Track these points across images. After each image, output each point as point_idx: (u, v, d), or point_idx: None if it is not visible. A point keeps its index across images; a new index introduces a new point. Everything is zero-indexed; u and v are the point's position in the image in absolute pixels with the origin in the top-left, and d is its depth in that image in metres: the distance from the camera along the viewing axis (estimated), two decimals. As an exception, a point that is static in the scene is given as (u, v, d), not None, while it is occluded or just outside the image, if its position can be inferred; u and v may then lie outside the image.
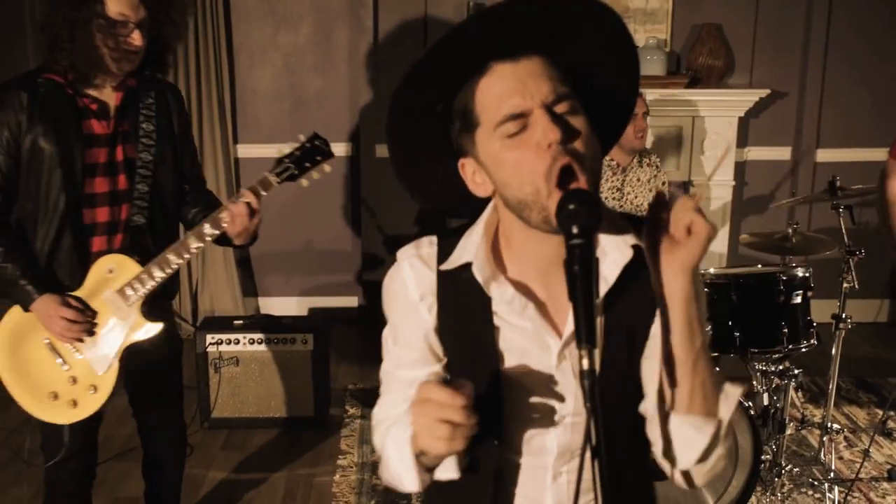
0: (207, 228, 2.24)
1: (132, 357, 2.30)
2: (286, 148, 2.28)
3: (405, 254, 1.32)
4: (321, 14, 4.73)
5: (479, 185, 1.25)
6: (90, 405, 2.30)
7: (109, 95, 2.27)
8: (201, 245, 2.26)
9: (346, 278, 5.07)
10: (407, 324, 1.31)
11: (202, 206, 2.42)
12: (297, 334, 3.70)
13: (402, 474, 1.23)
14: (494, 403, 1.26)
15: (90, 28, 2.15)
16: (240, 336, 3.69)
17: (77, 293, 2.25)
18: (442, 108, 1.23)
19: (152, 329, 2.29)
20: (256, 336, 3.69)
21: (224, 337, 3.68)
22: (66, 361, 2.27)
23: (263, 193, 2.25)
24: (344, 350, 4.53)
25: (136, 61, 2.23)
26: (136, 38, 2.18)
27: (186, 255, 2.26)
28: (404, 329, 1.32)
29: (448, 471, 1.22)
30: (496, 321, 1.25)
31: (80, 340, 2.25)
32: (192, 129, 2.53)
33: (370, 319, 4.95)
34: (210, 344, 3.66)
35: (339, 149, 4.85)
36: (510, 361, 1.26)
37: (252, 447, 3.66)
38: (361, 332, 4.83)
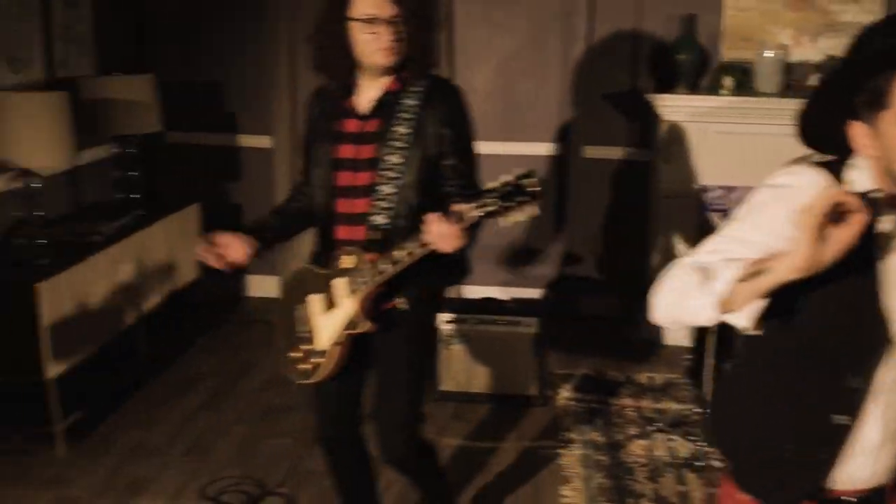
0: (413, 245, 2.28)
1: (364, 344, 2.48)
2: (503, 176, 2.14)
3: (803, 175, 1.57)
4: (535, 22, 5.01)
5: (866, 147, 1.51)
6: (310, 375, 2.49)
7: (368, 97, 2.44)
8: (406, 256, 2.28)
9: (545, 272, 5.33)
10: (767, 231, 1.53)
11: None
12: (523, 317, 4.00)
13: (699, 304, 1.49)
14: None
15: (341, 30, 2.34)
16: (468, 316, 4.02)
17: (325, 272, 2.44)
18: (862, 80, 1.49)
19: (365, 325, 2.39)
20: (485, 317, 4.00)
21: (456, 316, 4.01)
22: (309, 328, 2.50)
23: (462, 223, 2.17)
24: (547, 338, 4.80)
25: (391, 56, 2.34)
26: (385, 34, 2.31)
27: (406, 258, 2.28)
28: (762, 234, 1.54)
29: (741, 318, 1.46)
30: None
31: (308, 315, 2.47)
32: (468, 132, 2.49)
33: (568, 312, 5.21)
34: (444, 322, 3.99)
35: (546, 148, 5.13)
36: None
37: (478, 419, 3.97)
38: (560, 323, 5.07)
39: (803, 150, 1.74)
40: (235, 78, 5.21)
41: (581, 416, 4.00)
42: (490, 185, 2.15)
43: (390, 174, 2.40)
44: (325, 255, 2.50)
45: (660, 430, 3.84)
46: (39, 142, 3.39)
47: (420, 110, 2.42)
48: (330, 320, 2.46)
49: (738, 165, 4.73)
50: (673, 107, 4.65)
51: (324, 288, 2.47)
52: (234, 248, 2.49)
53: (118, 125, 4.24)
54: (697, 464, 3.59)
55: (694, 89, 4.73)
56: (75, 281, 3.58)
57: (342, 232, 2.48)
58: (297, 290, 2.58)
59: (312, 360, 2.49)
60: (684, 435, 3.81)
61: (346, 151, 2.45)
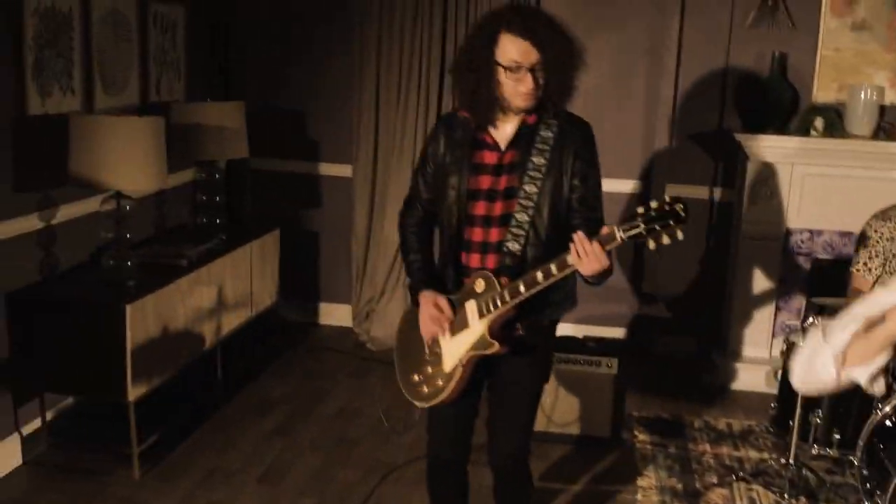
0: (552, 267, 2.31)
1: (485, 368, 2.55)
2: (651, 201, 2.17)
3: None
4: (623, 56, 4.97)
5: None
6: (433, 396, 2.57)
7: (506, 130, 2.52)
8: (542, 280, 2.32)
9: (618, 310, 5.25)
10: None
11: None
12: (603, 357, 3.93)
13: (821, 361, 1.49)
14: None
15: (486, 74, 2.42)
16: (546, 354, 3.96)
17: (454, 297, 2.54)
18: None
19: (492, 348, 2.44)
20: (563, 355, 3.94)
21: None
22: (432, 351, 2.59)
23: (607, 247, 2.22)
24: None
25: (530, 100, 2.43)
26: (528, 82, 2.39)
27: (534, 286, 2.34)
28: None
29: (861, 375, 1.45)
30: None
31: (437, 338, 2.55)
32: (596, 167, 2.56)
33: (645, 352, 5.11)
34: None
35: (629, 185, 5.07)
36: None
37: (553, 459, 3.90)
38: (636, 363, 4.98)
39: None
40: (318, 107, 5.28)
41: (658, 461, 3.90)
42: (637, 209, 2.19)
43: (526, 203, 2.47)
44: (454, 280, 2.58)
45: (740, 480, 3.72)
46: (134, 165, 3.45)
47: (555, 143, 2.49)
48: (457, 343, 2.53)
49: (826, 209, 4.62)
50: (761, 147, 4.56)
51: (452, 311, 2.55)
52: (445, 308, 2.57)
53: (207, 150, 4.33)
54: (781, 517, 3.48)
55: (783, 130, 4.63)
56: (160, 304, 3.63)
57: (473, 259, 2.55)
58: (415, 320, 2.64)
59: (437, 382, 2.57)
60: (765, 485, 3.68)
61: (484, 182, 2.52)
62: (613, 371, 3.94)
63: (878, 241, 3.54)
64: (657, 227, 2.13)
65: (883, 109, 4.54)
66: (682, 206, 2.14)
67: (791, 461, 3.48)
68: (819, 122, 4.53)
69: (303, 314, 5.49)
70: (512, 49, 2.38)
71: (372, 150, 5.15)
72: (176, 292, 3.76)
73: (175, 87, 4.66)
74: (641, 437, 4.15)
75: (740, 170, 4.80)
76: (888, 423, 2.96)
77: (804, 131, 4.58)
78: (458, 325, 2.52)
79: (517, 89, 2.41)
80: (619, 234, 2.19)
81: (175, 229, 4.60)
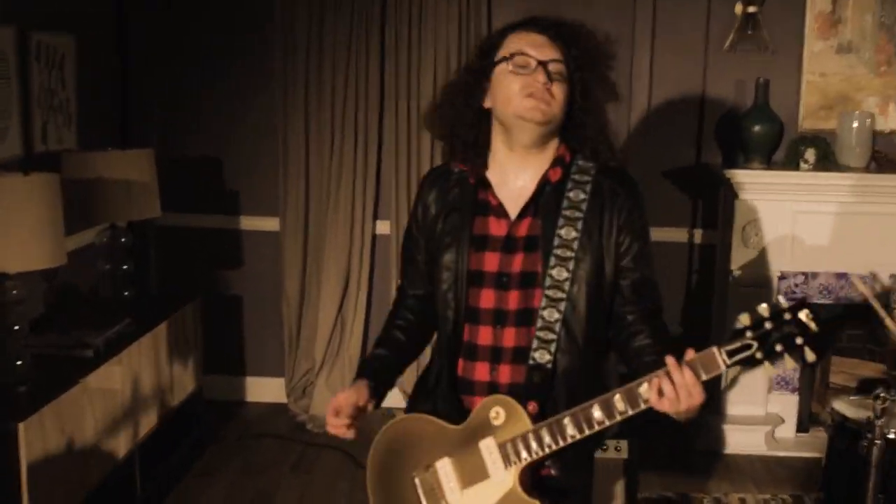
0: (618, 404, 1.68)
1: None
2: (761, 308, 1.60)
3: None
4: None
5: None
6: None
7: (518, 187, 1.84)
8: (606, 422, 1.69)
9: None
10: None
11: (653, 355, 1.78)
12: (611, 440, 3.31)
13: None
14: None
15: (479, 83, 1.81)
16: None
17: (458, 428, 1.83)
18: None
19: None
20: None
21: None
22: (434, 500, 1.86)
23: (703, 376, 1.63)
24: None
25: (543, 108, 1.76)
26: (540, 76, 1.75)
27: (587, 429, 1.70)
28: None
29: None
30: None
31: (440, 488, 1.84)
32: (649, 239, 1.91)
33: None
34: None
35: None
36: None
37: (559, 567, 3.25)
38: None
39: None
40: (237, 151, 4.52)
41: (680, 559, 3.31)
42: (741, 319, 1.57)
43: (555, 294, 1.78)
44: (450, 399, 1.86)
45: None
46: (22, 239, 2.65)
47: (591, 207, 1.81)
48: (474, 498, 1.80)
49: (820, 249, 4.17)
50: (746, 183, 4.08)
51: (458, 450, 1.82)
52: (359, 407, 1.89)
53: (112, 210, 3.52)
54: None
55: (769, 163, 4.17)
56: (63, 414, 2.81)
57: (479, 370, 1.85)
58: (409, 449, 1.90)
59: None
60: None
61: (490, 262, 1.83)
62: (623, 455, 3.33)
63: None
64: (777, 349, 1.55)
65: (874, 136, 4.14)
66: (809, 315, 1.55)
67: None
68: (810, 154, 4.09)
69: (227, 391, 4.68)
70: (520, 41, 1.79)
71: (302, 199, 4.43)
72: (82, 396, 2.94)
73: (65, 135, 3.83)
74: (652, 526, 3.56)
75: (725, 209, 4.31)
76: None
77: (793, 164, 4.13)
78: (469, 471, 1.81)
79: (524, 89, 1.75)
80: (722, 359, 1.60)
81: (72, 307, 3.75)
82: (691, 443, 4.32)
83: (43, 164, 3.45)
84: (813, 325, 1.54)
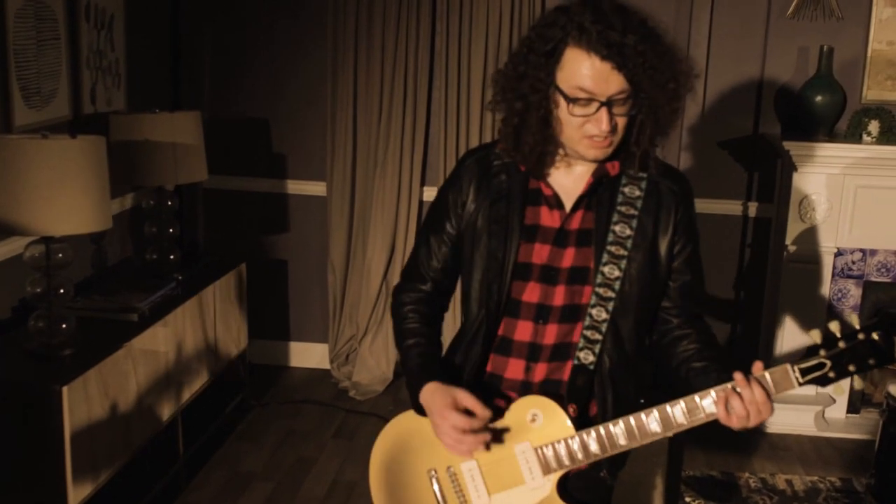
0: (678, 416, 1.61)
1: None
2: (831, 328, 1.55)
3: None
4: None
5: None
6: None
7: (575, 179, 1.73)
8: (660, 433, 1.63)
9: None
10: None
11: (703, 360, 1.72)
12: (656, 417, 3.25)
13: None
14: None
15: (539, 104, 1.64)
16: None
17: (487, 428, 1.71)
18: None
19: None
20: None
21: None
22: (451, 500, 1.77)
23: (774, 393, 1.59)
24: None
25: (604, 149, 1.66)
26: (603, 122, 1.60)
27: (640, 439, 1.65)
28: None
29: None
30: None
31: (494, 476, 1.73)
32: (699, 241, 1.81)
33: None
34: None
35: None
36: None
37: (600, 544, 3.21)
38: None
39: None
40: (285, 115, 4.48)
41: (725, 540, 3.25)
42: (812, 335, 1.53)
43: (605, 292, 1.69)
44: (481, 400, 1.72)
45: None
46: (68, 202, 2.64)
47: (646, 206, 1.72)
48: (503, 499, 1.71)
49: (881, 226, 4.02)
50: (812, 156, 3.93)
51: (486, 452, 1.73)
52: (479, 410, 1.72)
53: (158, 172, 3.50)
54: None
55: (830, 135, 4.01)
56: (107, 378, 2.82)
57: (513, 368, 1.75)
58: (426, 447, 1.79)
59: None
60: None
61: (540, 255, 1.73)
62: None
63: None
64: (850, 369, 1.54)
65: (944, 109, 3.97)
66: (882, 335, 1.50)
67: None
68: (874, 127, 3.92)
69: (271, 356, 4.69)
70: (581, 72, 1.58)
71: (350, 164, 4.39)
72: (126, 359, 2.96)
73: (114, 96, 3.83)
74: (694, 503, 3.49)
75: (782, 182, 4.17)
76: None
77: (855, 137, 3.97)
78: (499, 476, 1.72)
79: (585, 131, 1.62)
80: (795, 377, 1.57)
81: (117, 270, 3.77)
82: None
83: (91, 125, 3.46)
84: (887, 347, 1.50)
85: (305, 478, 3.59)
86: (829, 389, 4.12)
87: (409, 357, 1.82)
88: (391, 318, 1.96)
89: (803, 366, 1.56)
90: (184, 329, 3.41)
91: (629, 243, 1.70)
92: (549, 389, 1.72)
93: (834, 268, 4.08)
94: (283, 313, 4.69)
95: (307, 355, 4.70)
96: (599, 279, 1.69)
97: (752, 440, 4.06)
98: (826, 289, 4.11)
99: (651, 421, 1.61)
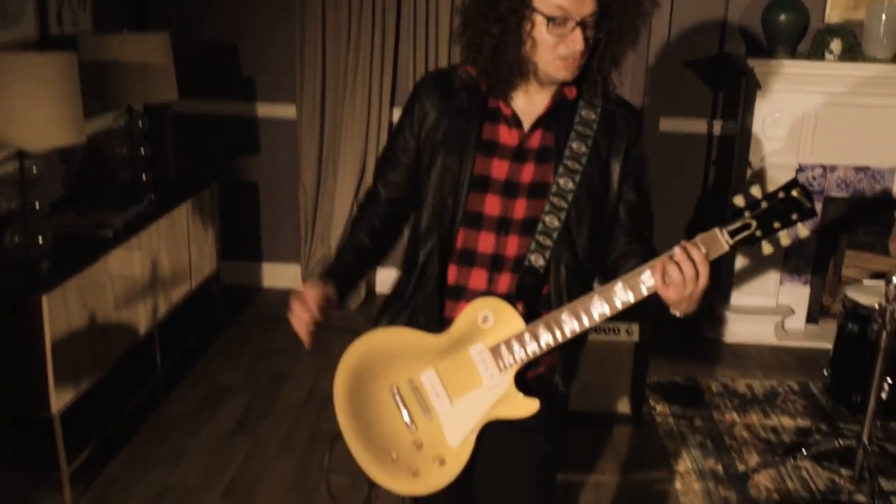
0: (619, 292, 1.65)
1: (493, 434, 1.79)
2: (753, 189, 1.60)
3: None
4: None
5: None
6: (433, 480, 1.81)
7: (534, 101, 1.79)
8: (606, 312, 1.66)
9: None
10: None
11: (635, 261, 1.76)
12: (622, 323, 3.37)
13: None
14: None
15: (516, 24, 1.69)
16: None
17: (440, 337, 1.77)
18: None
19: (525, 407, 1.75)
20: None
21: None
22: (414, 421, 1.81)
23: (704, 253, 1.60)
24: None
25: (574, 69, 1.72)
26: (577, 41, 1.67)
27: (587, 321, 1.67)
28: None
29: None
30: None
31: (427, 400, 1.79)
32: (647, 174, 1.87)
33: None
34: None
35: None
36: None
37: (568, 445, 3.34)
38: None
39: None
40: (253, 36, 4.47)
41: (687, 439, 3.39)
42: (736, 201, 1.57)
43: (559, 202, 1.74)
44: (435, 308, 1.80)
45: (786, 455, 3.25)
46: (41, 115, 2.65)
47: (601, 129, 1.78)
48: (467, 406, 1.76)
49: (841, 142, 4.13)
50: (776, 74, 4.00)
51: (443, 360, 1.78)
52: (325, 302, 1.84)
53: (128, 92, 3.50)
54: (842, 499, 3.01)
55: (793, 54, 4.09)
56: (85, 289, 2.88)
57: (475, 278, 1.79)
58: (386, 363, 1.84)
59: (435, 461, 1.80)
60: (813, 461, 3.22)
61: (500, 169, 1.78)
62: (634, 338, 3.38)
63: None
64: (775, 226, 1.58)
65: (902, 27, 4.04)
66: (800, 192, 1.57)
67: (865, 440, 2.99)
68: (836, 45, 4.00)
69: (244, 277, 4.75)
70: None
71: (319, 87, 4.40)
72: (102, 272, 3.00)
73: (80, 17, 3.79)
74: (660, 408, 3.63)
75: (746, 100, 4.25)
76: None
77: (818, 55, 4.05)
78: (458, 380, 1.76)
79: (558, 52, 1.68)
80: (724, 239, 1.58)
81: (91, 190, 3.78)
82: (701, 331, 4.39)
83: (58, 46, 3.43)
84: (806, 202, 1.56)
85: (282, 390, 3.69)
86: (789, 301, 4.30)
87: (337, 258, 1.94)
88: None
89: (731, 227, 1.59)
90: (158, 246, 3.45)
91: (584, 159, 1.76)
92: (509, 298, 1.76)
93: (794, 183, 4.18)
94: (255, 235, 4.74)
95: (280, 276, 4.77)
96: (554, 189, 1.75)
97: (714, 350, 4.21)
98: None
99: (595, 302, 1.66)
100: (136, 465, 3.12)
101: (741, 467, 3.21)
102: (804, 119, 4.08)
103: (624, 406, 3.46)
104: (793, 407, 3.67)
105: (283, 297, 4.52)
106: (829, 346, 3.56)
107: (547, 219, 1.75)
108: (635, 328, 3.38)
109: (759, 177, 4.11)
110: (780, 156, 4.13)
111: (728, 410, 3.63)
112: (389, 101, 4.44)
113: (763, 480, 3.13)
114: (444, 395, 1.78)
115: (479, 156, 1.77)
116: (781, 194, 1.56)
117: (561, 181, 1.75)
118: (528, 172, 1.77)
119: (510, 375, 1.73)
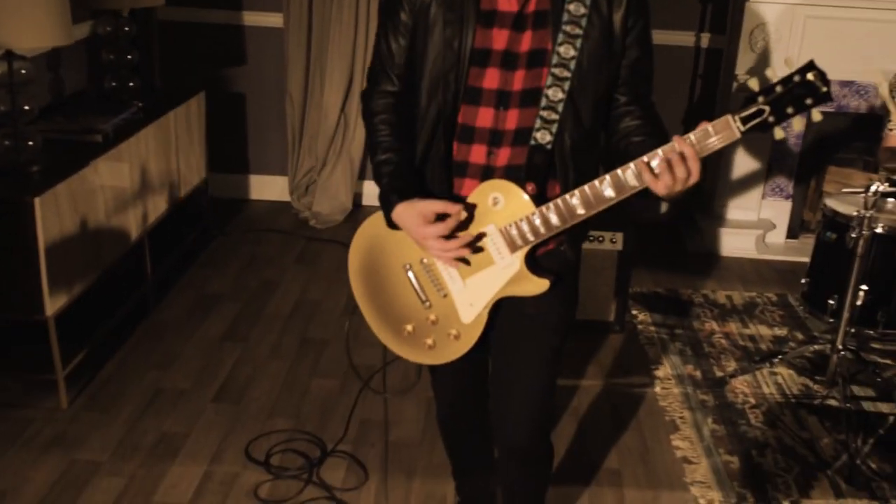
0: (630, 177, 1.65)
1: (507, 306, 1.85)
2: (767, 75, 1.61)
3: None
4: None
5: None
6: (448, 352, 1.89)
7: None
8: (614, 196, 1.67)
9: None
10: None
11: (643, 135, 1.77)
12: (606, 232, 3.42)
13: None
14: None
15: None
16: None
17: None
18: None
19: (536, 286, 1.79)
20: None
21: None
22: (428, 298, 1.87)
23: (718, 144, 1.62)
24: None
25: None
26: None
27: (595, 207, 1.70)
28: None
29: None
30: None
31: (465, 262, 1.80)
32: (650, 30, 1.81)
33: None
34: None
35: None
36: None
37: (552, 351, 3.44)
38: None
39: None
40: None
41: (668, 346, 3.49)
42: (750, 84, 1.59)
43: (561, 73, 1.71)
44: (440, 185, 1.81)
45: (762, 361, 3.35)
46: (28, 13, 2.62)
47: None
48: (478, 285, 1.81)
49: (828, 56, 4.03)
50: (764, -15, 3.98)
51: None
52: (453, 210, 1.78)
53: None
54: (815, 403, 3.12)
55: (783, -35, 4.06)
56: (76, 192, 2.89)
57: (476, 153, 1.79)
58: (399, 241, 1.86)
59: (450, 333, 1.87)
60: (788, 367, 3.33)
61: (499, 40, 1.74)
62: (618, 247, 3.45)
63: None
64: (788, 111, 1.58)
65: (893, -61, 4.02)
66: (816, 75, 1.57)
67: (840, 345, 3.08)
68: (826, -46, 3.98)
69: (231, 189, 4.76)
70: None
71: (305, -7, 4.35)
72: (93, 177, 3.01)
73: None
74: (642, 317, 3.71)
75: (734, 12, 4.23)
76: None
77: (808, -34, 4.03)
78: (472, 260, 1.80)
79: None
80: (736, 126, 1.58)
81: (77, 97, 3.76)
82: (683, 244, 4.46)
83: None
84: (822, 86, 1.57)
85: (270, 298, 3.74)
86: (770, 215, 4.36)
87: (380, 174, 1.86)
88: (363, 125, 1.99)
89: (744, 114, 1.58)
90: (147, 152, 3.45)
91: (584, 21, 1.71)
92: (511, 174, 1.78)
93: (780, 97, 4.20)
94: (242, 147, 4.73)
95: (267, 187, 4.78)
96: (555, 59, 1.71)
97: (696, 262, 4.28)
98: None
99: (605, 187, 1.68)
100: (128, 369, 3.18)
101: (719, 373, 3.31)
102: (791, 32, 4.07)
103: (607, 313, 3.54)
104: (770, 317, 3.77)
105: (270, 208, 4.63)
106: (808, 259, 3.64)
107: (550, 92, 1.72)
108: (619, 237, 3.43)
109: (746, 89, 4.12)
110: (767, 69, 4.11)
111: (707, 320, 3.72)
112: (378, 10, 4.38)
113: (739, 385, 3.24)
114: (456, 275, 1.84)
115: (479, 27, 1.73)
116: (797, 77, 1.57)
117: (561, 49, 1.71)
118: (526, 41, 1.74)
119: (521, 256, 1.77)
